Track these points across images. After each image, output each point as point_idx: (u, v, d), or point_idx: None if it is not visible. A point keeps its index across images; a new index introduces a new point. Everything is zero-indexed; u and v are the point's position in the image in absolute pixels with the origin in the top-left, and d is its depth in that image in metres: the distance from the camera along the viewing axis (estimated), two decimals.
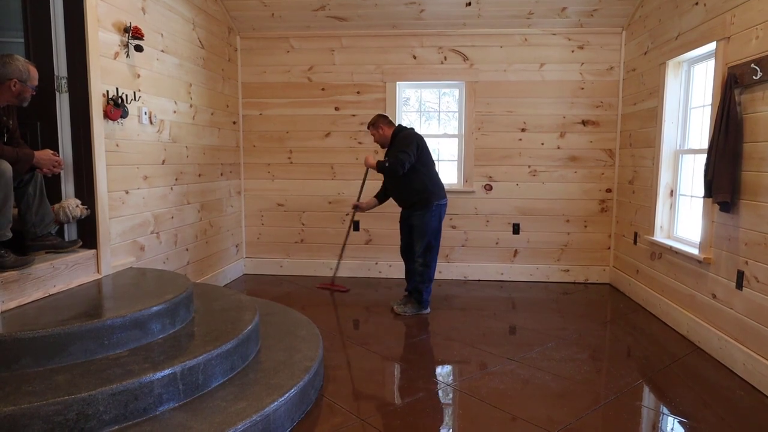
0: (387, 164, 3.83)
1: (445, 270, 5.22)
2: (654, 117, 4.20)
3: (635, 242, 4.56)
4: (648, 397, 2.78)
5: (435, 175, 4.03)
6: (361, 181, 4.52)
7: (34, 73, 2.62)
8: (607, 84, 4.98)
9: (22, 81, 2.55)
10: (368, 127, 4.14)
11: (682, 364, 3.18)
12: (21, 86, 2.55)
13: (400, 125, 4.08)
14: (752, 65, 2.88)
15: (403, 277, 4.34)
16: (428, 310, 4.11)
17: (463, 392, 2.79)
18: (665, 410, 2.64)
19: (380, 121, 4.03)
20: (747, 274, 2.97)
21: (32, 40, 2.95)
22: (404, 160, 3.79)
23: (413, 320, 3.97)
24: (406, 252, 4.19)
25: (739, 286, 3.03)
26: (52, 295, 2.68)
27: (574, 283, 5.16)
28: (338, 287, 4.83)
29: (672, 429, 2.48)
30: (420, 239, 3.96)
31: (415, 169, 3.88)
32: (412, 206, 3.99)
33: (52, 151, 2.78)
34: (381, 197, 4.28)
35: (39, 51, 2.94)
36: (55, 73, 2.96)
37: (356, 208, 4.38)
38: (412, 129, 4.06)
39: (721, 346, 3.18)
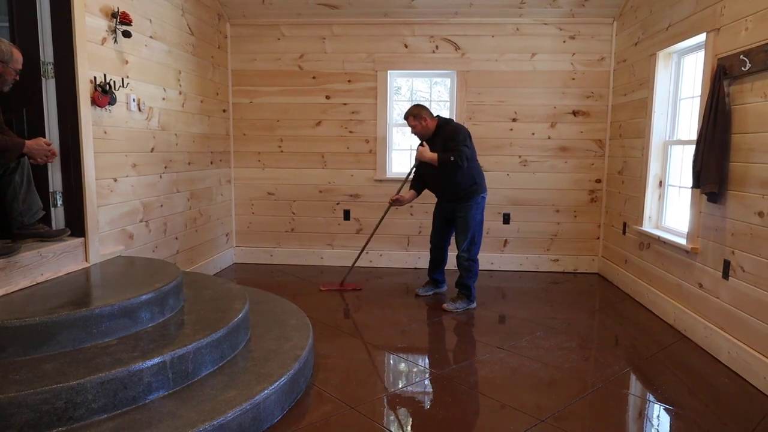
0: (452, 159, 3.70)
1: None
2: (644, 108, 4.22)
3: (624, 232, 4.60)
4: (635, 385, 2.82)
5: (480, 168, 3.99)
6: (406, 175, 4.26)
7: (17, 56, 2.56)
8: (598, 74, 4.99)
9: (4, 62, 2.49)
10: (407, 118, 3.93)
11: (669, 352, 3.23)
12: (2, 67, 2.49)
13: (440, 116, 3.96)
14: (741, 56, 2.89)
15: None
16: (475, 304, 4.03)
17: (453, 380, 2.81)
18: (651, 397, 2.67)
19: (424, 113, 3.88)
20: (733, 263, 3.00)
21: (17, 24, 2.90)
22: (467, 154, 3.74)
23: (403, 310, 3.98)
24: (439, 242, 4.18)
25: (726, 275, 3.07)
26: (39, 283, 2.66)
27: (563, 272, 5.19)
28: (350, 287, 4.54)
29: (658, 416, 2.52)
30: (464, 233, 3.91)
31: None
32: (459, 199, 3.92)
33: (44, 140, 2.73)
34: (419, 189, 4.15)
35: (24, 36, 2.89)
36: (41, 58, 2.91)
37: (396, 202, 4.15)
38: (452, 120, 3.99)
39: (707, 334, 3.22)
